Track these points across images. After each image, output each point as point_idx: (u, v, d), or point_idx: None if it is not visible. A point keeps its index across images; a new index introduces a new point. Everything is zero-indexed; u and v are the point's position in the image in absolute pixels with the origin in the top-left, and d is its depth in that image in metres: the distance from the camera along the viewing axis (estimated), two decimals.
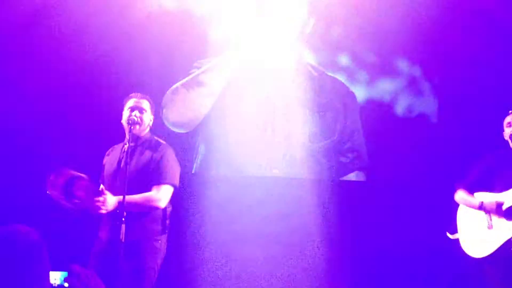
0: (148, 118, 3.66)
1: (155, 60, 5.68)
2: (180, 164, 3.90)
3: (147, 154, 3.57)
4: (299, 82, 5.61)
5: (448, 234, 3.88)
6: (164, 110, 5.45)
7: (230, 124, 5.54)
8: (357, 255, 5.31)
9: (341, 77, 5.62)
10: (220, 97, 5.58)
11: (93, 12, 5.42)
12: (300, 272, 5.29)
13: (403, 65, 5.60)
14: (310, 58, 5.66)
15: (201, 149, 5.55)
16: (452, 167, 5.25)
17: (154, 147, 3.61)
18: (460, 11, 5.51)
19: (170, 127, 5.48)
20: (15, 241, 1.83)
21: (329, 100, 5.59)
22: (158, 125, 4.38)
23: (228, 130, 5.53)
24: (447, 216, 4.78)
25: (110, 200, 3.35)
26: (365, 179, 5.51)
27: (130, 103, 3.64)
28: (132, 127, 3.53)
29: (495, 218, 3.68)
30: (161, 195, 3.48)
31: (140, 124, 3.58)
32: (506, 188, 3.71)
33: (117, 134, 3.84)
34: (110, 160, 3.70)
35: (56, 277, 1.68)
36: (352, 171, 5.50)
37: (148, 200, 3.47)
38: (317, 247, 5.32)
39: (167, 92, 5.57)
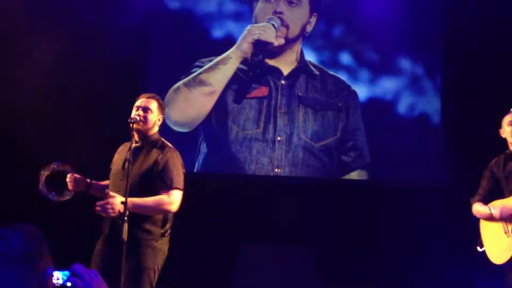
0: (154, 117, 3.63)
1: (155, 60, 5.69)
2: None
3: (153, 155, 3.55)
4: (301, 81, 5.60)
5: (478, 248, 3.86)
6: (166, 109, 5.43)
7: (232, 123, 5.54)
8: (357, 255, 5.31)
9: (342, 76, 5.61)
10: (222, 95, 5.58)
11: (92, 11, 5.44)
12: (299, 271, 5.28)
13: (405, 63, 5.59)
14: (311, 57, 5.65)
15: (203, 148, 5.55)
16: (454, 166, 5.25)
17: (160, 150, 3.58)
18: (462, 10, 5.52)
19: (172, 126, 5.48)
20: (32, 237, 1.83)
21: (331, 99, 5.58)
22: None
23: (230, 128, 5.53)
24: (447, 216, 4.79)
25: (118, 202, 3.33)
26: (367, 178, 5.50)
27: (137, 102, 3.64)
28: (132, 125, 3.50)
29: (510, 225, 3.68)
30: (173, 199, 3.47)
31: (144, 122, 3.56)
32: None
33: (123, 132, 3.82)
34: (118, 158, 3.69)
35: (58, 276, 1.68)
36: (354, 169, 5.49)
37: (160, 203, 3.45)
38: (318, 246, 5.32)
39: (169, 91, 5.57)
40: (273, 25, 5.58)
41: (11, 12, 5.21)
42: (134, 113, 3.55)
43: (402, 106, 5.55)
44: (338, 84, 5.60)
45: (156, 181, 3.48)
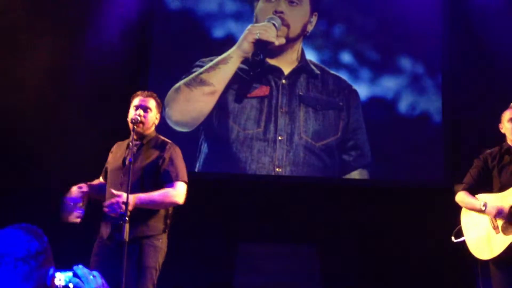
0: (153, 116, 3.63)
1: (156, 60, 5.68)
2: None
3: (154, 152, 3.56)
4: (302, 80, 5.60)
5: (453, 239, 3.82)
6: (166, 109, 5.44)
7: (233, 123, 5.53)
8: (357, 254, 5.30)
9: (343, 75, 5.60)
10: (223, 95, 5.57)
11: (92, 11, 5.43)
12: (300, 270, 5.28)
13: (406, 62, 5.58)
14: (312, 56, 5.65)
15: (204, 147, 5.54)
16: (455, 165, 5.24)
17: (161, 146, 3.59)
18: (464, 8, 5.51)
19: (173, 126, 5.48)
20: (35, 237, 1.83)
21: (332, 98, 5.58)
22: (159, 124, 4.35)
23: (231, 128, 5.52)
24: (447, 216, 4.77)
25: (125, 199, 3.32)
26: (368, 177, 5.49)
27: (135, 101, 3.62)
28: (135, 126, 3.50)
29: (499, 221, 3.64)
30: (178, 191, 3.48)
31: (144, 123, 3.56)
32: (506, 187, 3.66)
33: (122, 132, 3.82)
34: (115, 157, 3.68)
35: (60, 277, 1.67)
36: (355, 169, 5.49)
37: (167, 195, 3.45)
38: (318, 246, 5.32)
39: (170, 91, 5.56)
40: (274, 25, 5.57)
41: (11, 12, 5.21)
42: (134, 113, 3.54)
43: (403, 105, 5.54)
44: (339, 83, 5.60)
45: (161, 176, 3.48)
